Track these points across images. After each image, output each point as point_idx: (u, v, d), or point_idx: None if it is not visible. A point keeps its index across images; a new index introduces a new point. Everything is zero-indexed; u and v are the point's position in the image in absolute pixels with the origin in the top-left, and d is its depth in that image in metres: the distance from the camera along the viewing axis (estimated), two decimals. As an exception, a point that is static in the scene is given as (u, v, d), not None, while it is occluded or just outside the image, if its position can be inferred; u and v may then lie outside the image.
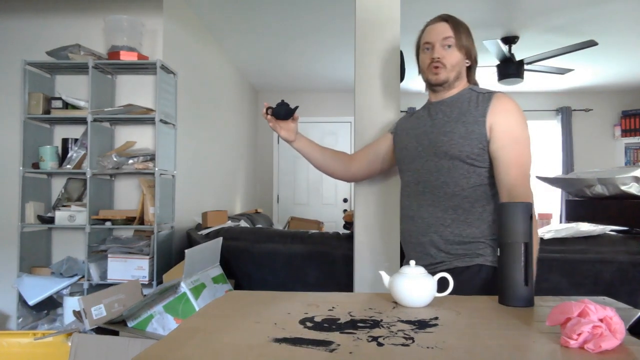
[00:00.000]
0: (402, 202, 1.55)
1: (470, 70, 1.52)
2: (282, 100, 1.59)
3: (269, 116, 1.59)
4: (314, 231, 2.81)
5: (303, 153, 1.69)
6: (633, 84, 5.83)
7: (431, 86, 1.50)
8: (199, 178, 3.72)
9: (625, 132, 6.03)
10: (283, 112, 1.58)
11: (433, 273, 1.11)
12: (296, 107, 1.59)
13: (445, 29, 1.45)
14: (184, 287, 2.03)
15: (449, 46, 1.45)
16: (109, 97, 2.93)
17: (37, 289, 2.62)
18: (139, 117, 2.77)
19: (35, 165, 2.76)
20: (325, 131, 6.20)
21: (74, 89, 2.97)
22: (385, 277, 1.08)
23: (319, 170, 1.74)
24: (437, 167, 1.42)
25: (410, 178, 1.51)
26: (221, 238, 2.51)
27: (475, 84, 1.55)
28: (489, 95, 1.43)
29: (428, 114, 1.52)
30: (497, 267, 1.07)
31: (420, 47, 1.52)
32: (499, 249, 1.04)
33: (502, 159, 1.36)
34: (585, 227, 2.47)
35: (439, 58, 1.44)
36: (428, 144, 1.45)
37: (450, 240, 1.40)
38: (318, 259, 2.63)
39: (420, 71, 1.55)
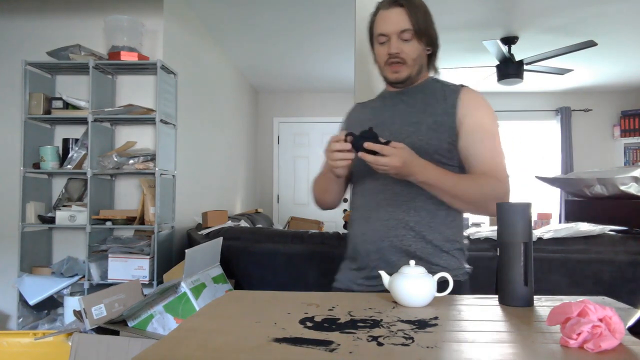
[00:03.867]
0: (354, 201, 1.39)
1: (432, 56, 1.36)
2: (371, 128, 1.18)
3: (349, 145, 1.18)
4: (314, 231, 2.81)
5: (337, 181, 1.39)
6: (632, 84, 5.83)
7: (391, 84, 1.36)
8: (199, 178, 3.73)
9: (625, 132, 6.03)
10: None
11: None
12: (388, 142, 1.16)
13: (401, 19, 1.27)
14: (184, 287, 2.03)
15: (408, 40, 1.28)
16: (109, 97, 2.93)
17: (38, 288, 2.62)
18: (139, 117, 2.77)
19: (36, 165, 2.76)
20: (325, 131, 6.20)
21: (75, 89, 2.97)
22: (385, 277, 1.08)
23: (322, 197, 1.47)
24: None
25: (366, 173, 1.31)
26: (221, 238, 2.51)
27: (436, 69, 1.40)
28: (456, 87, 1.33)
29: (384, 104, 1.38)
30: (497, 267, 1.07)
31: (375, 38, 1.34)
32: (498, 249, 1.04)
33: (476, 154, 1.26)
34: (585, 227, 2.47)
35: (397, 53, 1.28)
36: (389, 136, 1.24)
37: (412, 245, 1.26)
38: (318, 259, 2.63)
39: (376, 65, 1.37)
